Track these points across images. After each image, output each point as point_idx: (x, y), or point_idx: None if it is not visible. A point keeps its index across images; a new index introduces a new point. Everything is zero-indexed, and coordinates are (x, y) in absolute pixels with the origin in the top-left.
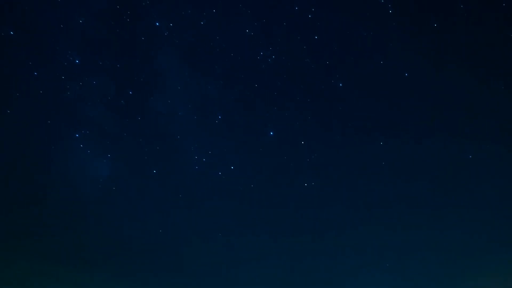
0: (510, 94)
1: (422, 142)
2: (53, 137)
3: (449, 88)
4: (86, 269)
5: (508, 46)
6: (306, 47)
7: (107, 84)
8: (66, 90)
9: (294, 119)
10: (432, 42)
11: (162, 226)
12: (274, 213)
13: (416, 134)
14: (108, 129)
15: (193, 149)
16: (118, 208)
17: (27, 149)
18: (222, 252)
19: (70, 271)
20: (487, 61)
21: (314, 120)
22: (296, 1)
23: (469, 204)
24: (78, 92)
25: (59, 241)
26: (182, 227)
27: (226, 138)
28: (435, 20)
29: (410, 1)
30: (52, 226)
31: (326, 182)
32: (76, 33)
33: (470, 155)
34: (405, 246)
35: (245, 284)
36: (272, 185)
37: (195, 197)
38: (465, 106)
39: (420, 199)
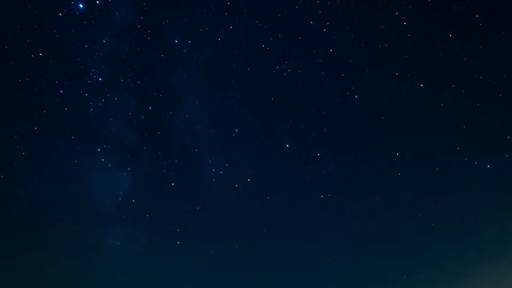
0: None
1: (439, 153)
2: (76, 152)
3: (465, 99)
4: (105, 280)
5: None
6: (321, 60)
7: (128, 100)
8: (89, 106)
9: (309, 132)
10: (447, 53)
11: (180, 238)
12: (290, 225)
13: (432, 145)
14: (128, 143)
15: (211, 162)
16: (137, 220)
17: (51, 163)
18: (239, 264)
19: (93, 279)
20: (504, 71)
21: (330, 132)
22: (311, 16)
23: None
24: (101, 108)
25: (79, 254)
26: (199, 239)
27: (243, 151)
28: (450, 30)
29: (425, 12)
30: (73, 237)
31: (342, 194)
32: (100, 52)
33: (488, 164)
34: (423, 259)
35: None
36: (289, 197)
37: (212, 209)
38: (481, 117)
39: (437, 210)
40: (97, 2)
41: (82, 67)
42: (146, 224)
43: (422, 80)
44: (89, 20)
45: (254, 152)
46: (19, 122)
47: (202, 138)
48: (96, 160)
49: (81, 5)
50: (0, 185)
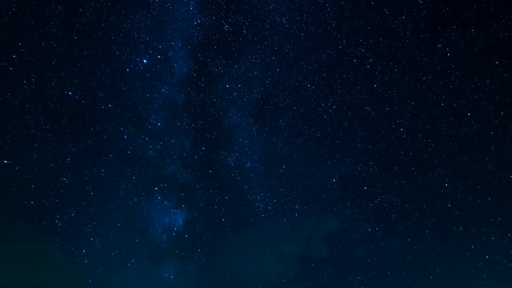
0: None
1: (489, 182)
2: (136, 191)
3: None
4: None
5: None
6: (365, 96)
7: (184, 142)
8: (148, 149)
9: (356, 166)
10: (495, 80)
11: (229, 273)
12: (339, 260)
13: (483, 175)
14: (183, 182)
15: (259, 198)
16: (190, 255)
17: (114, 202)
18: None
19: None
20: None
21: (377, 166)
22: (354, 54)
23: None
24: (159, 150)
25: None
26: (249, 273)
27: (290, 187)
28: (496, 58)
29: (468, 42)
30: (129, 271)
31: (390, 226)
32: (159, 100)
33: None
34: None
35: None
36: (337, 231)
37: (262, 244)
38: None
39: (488, 242)
40: (159, 56)
41: (143, 114)
42: (198, 258)
43: (469, 109)
44: (151, 72)
45: (302, 188)
46: (89, 166)
47: (252, 175)
48: (153, 198)
49: (145, 60)
50: (70, 221)
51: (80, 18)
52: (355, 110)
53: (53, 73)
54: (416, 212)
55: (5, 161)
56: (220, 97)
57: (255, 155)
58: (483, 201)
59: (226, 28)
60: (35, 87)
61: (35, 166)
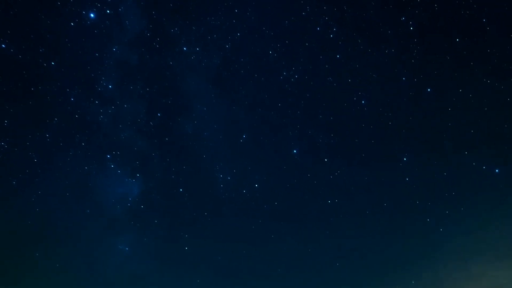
0: None
1: (447, 158)
2: (86, 159)
3: (473, 103)
4: (114, 286)
5: None
6: (328, 66)
7: (138, 108)
8: (99, 114)
9: (317, 137)
10: (455, 57)
11: (188, 244)
12: (298, 231)
13: (440, 150)
14: (137, 150)
15: (218, 168)
16: (146, 226)
17: (62, 170)
18: (246, 269)
19: (102, 285)
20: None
21: (337, 138)
22: (318, 22)
23: None
24: (111, 115)
25: (88, 260)
26: (207, 245)
27: (251, 157)
28: (457, 34)
29: (432, 17)
30: (82, 243)
31: (350, 199)
32: (110, 60)
33: (497, 169)
34: (430, 264)
35: None
36: (296, 202)
37: (220, 215)
38: (489, 121)
39: (445, 215)
40: (108, 11)
41: (92, 75)
42: (155, 230)
43: (429, 85)
44: (100, 29)
45: (262, 158)
46: (31, 130)
47: (211, 144)
48: (105, 166)
49: (92, 15)
50: (12, 191)
51: None
52: (317, 80)
53: None
54: (375, 185)
55: None
56: (177, 60)
57: (214, 123)
58: (439, 176)
59: None
60: None
61: None
